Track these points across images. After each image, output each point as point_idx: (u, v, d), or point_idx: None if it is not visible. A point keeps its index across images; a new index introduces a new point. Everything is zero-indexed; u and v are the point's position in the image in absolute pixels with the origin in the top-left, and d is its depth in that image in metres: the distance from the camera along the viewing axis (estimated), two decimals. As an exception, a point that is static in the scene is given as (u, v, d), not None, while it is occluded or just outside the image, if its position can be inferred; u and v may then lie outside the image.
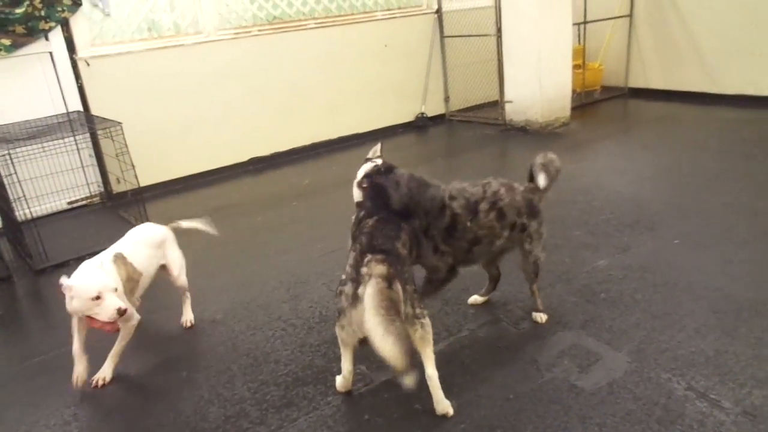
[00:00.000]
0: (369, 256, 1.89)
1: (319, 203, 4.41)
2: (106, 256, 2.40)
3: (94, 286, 2.13)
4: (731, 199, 3.61)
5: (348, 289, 1.91)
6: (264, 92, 5.44)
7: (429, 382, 1.98)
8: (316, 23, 5.66)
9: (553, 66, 5.67)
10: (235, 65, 5.22)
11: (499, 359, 2.30)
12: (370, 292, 1.78)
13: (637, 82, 6.81)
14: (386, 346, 1.69)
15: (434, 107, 6.59)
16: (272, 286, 3.15)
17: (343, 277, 1.97)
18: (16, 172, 3.35)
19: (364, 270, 1.86)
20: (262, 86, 5.42)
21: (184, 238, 3.42)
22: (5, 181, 3.40)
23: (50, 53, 4.39)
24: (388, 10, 6.15)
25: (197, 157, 5.17)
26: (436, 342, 2.42)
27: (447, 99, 6.66)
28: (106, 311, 2.12)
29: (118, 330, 2.28)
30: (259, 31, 5.34)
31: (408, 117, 6.45)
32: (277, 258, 3.51)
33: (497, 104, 6.22)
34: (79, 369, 2.33)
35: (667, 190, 3.97)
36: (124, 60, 4.71)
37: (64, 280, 2.12)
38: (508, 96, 5.93)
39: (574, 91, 6.12)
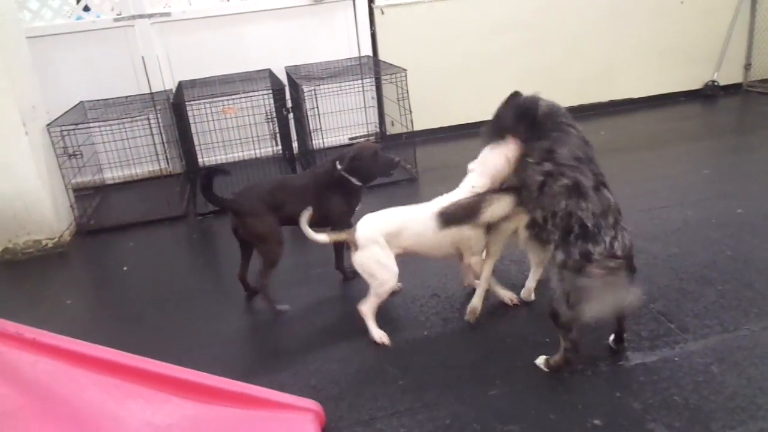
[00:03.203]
0: None
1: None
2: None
3: None
4: None
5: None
6: (536, 47, 5.31)
7: None
8: (605, -25, 5.29)
9: None
10: (512, 18, 5.17)
11: (786, 370, 2.01)
12: None
13: None
14: None
15: (729, 75, 5.74)
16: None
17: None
18: (317, 107, 3.84)
19: None
20: (535, 41, 5.29)
21: (444, 184, 3.53)
22: (308, 113, 3.92)
23: (353, 1, 4.85)
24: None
25: (464, 108, 5.29)
26: (704, 336, 2.23)
27: (748, 66, 5.75)
28: None
29: None
30: (544, -18, 5.19)
31: (695, 84, 5.74)
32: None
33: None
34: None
35: None
36: (413, 9, 4.98)
37: None
38: (834, 67, 4.90)
39: None
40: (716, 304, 2.41)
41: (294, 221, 2.47)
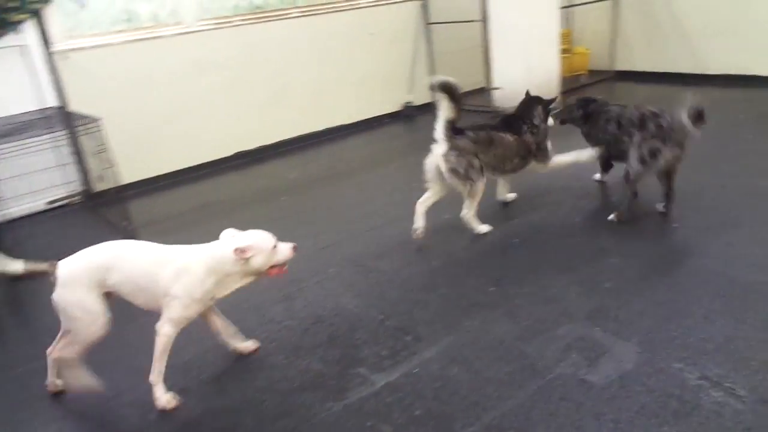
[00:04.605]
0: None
1: (308, 198, 4.30)
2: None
3: (270, 236, 2.20)
4: (727, 181, 3.56)
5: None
6: (247, 84, 5.29)
7: None
8: (299, 12, 5.51)
9: (541, 51, 5.59)
10: (216, 57, 5.06)
11: (504, 355, 2.21)
12: None
13: (623, 64, 6.76)
14: None
15: (422, 96, 6.46)
16: (263, 285, 3.01)
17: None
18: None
19: None
20: (245, 78, 5.26)
21: (171, 236, 3.21)
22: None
23: (25, 46, 4.18)
24: (373, -3, 6.03)
25: (181, 152, 5.01)
26: (436, 341, 2.35)
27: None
28: (284, 252, 2.20)
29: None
30: (242, 21, 5.19)
31: (395, 107, 6.33)
32: (267, 255, 3.39)
33: (485, 91, 6.13)
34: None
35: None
36: (102, 53, 4.52)
37: (239, 245, 2.11)
38: (496, 82, 5.83)
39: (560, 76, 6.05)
40: (440, 308, 2.58)
41: None
